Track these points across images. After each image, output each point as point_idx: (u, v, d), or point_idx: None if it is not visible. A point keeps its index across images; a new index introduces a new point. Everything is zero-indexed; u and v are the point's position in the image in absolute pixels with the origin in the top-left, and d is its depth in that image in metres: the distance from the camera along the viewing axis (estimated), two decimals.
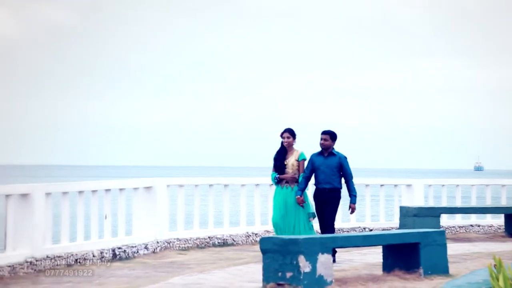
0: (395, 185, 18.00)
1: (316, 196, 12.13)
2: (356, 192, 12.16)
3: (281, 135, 12.32)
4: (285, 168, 12.19)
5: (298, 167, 12.16)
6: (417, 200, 17.54)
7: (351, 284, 9.76)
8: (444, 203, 17.99)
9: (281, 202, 12.15)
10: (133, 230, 13.62)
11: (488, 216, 18.03)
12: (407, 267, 10.40)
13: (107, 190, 13.05)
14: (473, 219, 17.97)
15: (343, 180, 12.26)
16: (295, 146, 12.39)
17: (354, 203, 12.12)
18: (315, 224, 12.59)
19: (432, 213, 16.21)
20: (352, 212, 12.35)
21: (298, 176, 12.14)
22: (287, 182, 12.16)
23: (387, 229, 15.96)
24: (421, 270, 10.33)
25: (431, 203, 17.98)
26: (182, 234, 14.19)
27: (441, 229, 13.34)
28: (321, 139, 12.03)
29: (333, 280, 9.56)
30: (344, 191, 12.35)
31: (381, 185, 17.73)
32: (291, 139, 12.28)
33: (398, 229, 15.84)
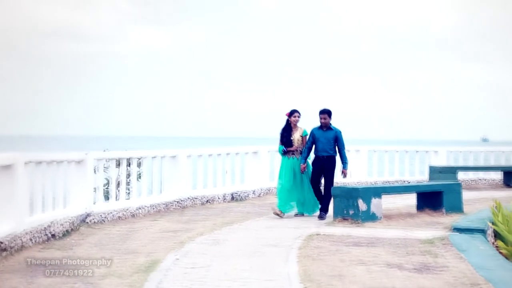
0: (426, 151, 17.91)
1: (315, 162, 10.71)
2: (347, 160, 10.75)
3: (290, 115, 10.89)
4: (292, 142, 10.84)
5: (302, 141, 10.84)
6: (441, 161, 17.49)
7: (394, 218, 9.89)
8: (460, 164, 17.89)
9: (289, 170, 10.80)
10: (245, 181, 13.90)
11: (492, 172, 17.78)
12: (434, 208, 10.49)
13: (228, 154, 13.43)
14: (481, 174, 17.76)
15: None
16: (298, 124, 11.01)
17: (346, 169, 10.65)
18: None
19: (452, 171, 16.08)
20: (344, 176, 10.72)
21: (302, 149, 10.85)
22: (293, 153, 10.84)
23: (420, 181, 15.72)
24: (444, 210, 10.44)
25: (452, 164, 17.88)
26: None
27: (458, 181, 12.71)
28: (321, 118, 10.59)
29: (382, 216, 9.69)
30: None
31: (417, 151, 17.74)
32: (300, 118, 10.93)
33: (428, 181, 15.57)
